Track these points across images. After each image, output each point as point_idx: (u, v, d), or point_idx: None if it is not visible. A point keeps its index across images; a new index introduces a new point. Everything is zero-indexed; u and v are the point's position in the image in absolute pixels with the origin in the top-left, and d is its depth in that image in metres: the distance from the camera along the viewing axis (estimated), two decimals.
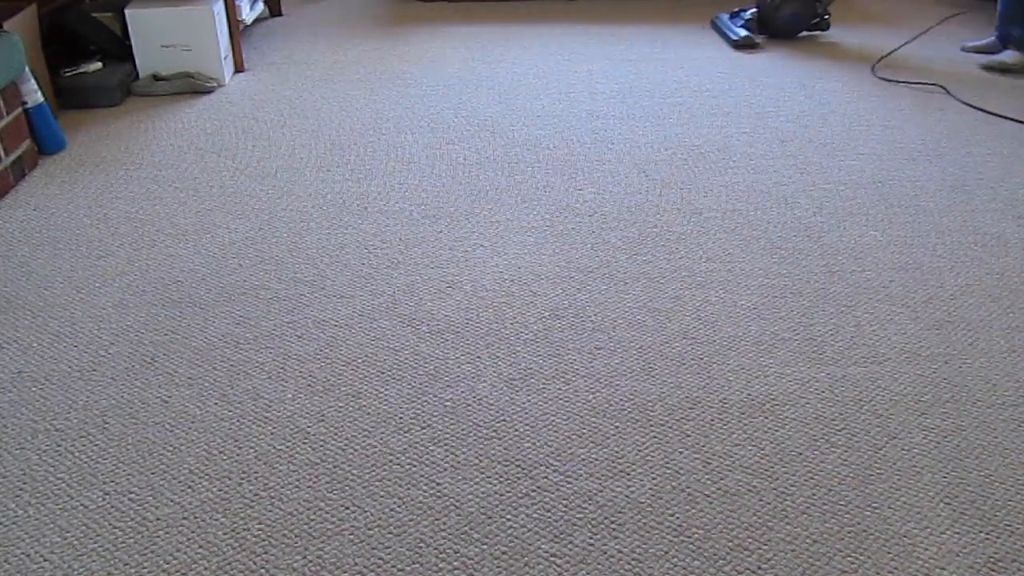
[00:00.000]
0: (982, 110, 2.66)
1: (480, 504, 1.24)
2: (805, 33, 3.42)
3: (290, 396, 1.45)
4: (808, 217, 2.04)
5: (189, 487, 1.27)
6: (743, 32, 3.34)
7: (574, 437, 1.36)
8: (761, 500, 1.24)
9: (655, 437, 1.36)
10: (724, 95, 2.83)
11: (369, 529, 1.20)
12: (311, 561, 1.15)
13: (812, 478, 1.28)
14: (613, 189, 2.18)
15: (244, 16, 3.25)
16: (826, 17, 3.34)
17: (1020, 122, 2.58)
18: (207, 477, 1.28)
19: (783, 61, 3.15)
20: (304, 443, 1.35)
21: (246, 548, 1.17)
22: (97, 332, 1.62)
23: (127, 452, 1.33)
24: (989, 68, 3.03)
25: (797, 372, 1.51)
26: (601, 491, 1.26)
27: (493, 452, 1.33)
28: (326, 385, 1.48)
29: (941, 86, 2.87)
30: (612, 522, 1.21)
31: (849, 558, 1.15)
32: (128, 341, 1.59)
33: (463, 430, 1.37)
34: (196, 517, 1.22)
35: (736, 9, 3.57)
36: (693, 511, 1.22)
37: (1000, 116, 2.62)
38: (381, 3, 4.05)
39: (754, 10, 3.43)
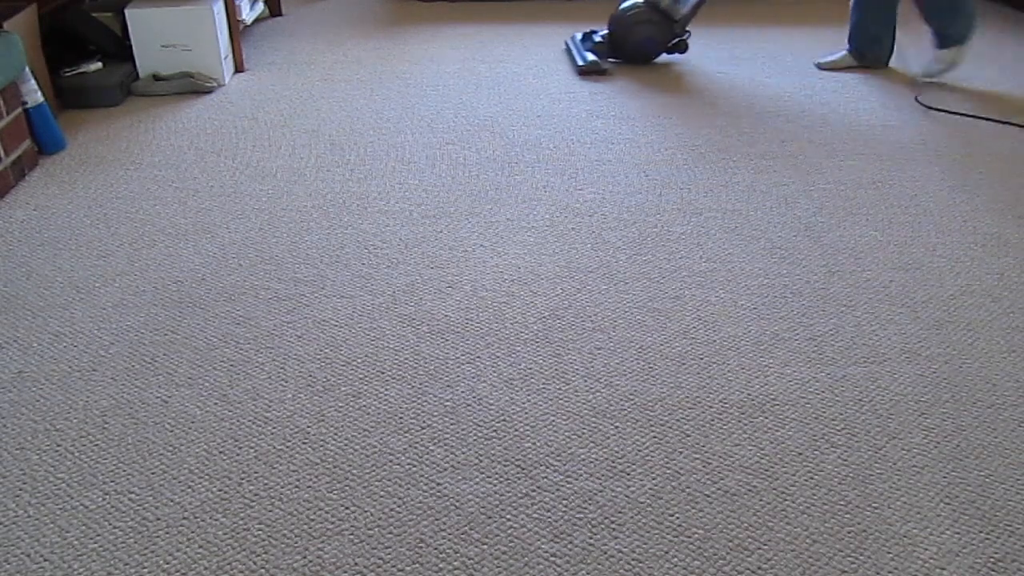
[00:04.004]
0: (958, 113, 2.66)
1: (480, 504, 1.24)
2: (665, 58, 3.15)
3: (290, 396, 1.45)
4: (808, 217, 2.04)
5: (189, 487, 1.27)
6: (591, 57, 3.03)
7: (574, 437, 1.36)
8: (761, 500, 1.24)
9: (655, 437, 1.36)
10: (725, 94, 2.83)
11: (369, 529, 1.20)
12: (311, 561, 1.15)
13: (812, 478, 1.28)
14: (613, 189, 2.18)
15: (244, 16, 3.25)
16: (684, 39, 3.05)
17: (1014, 124, 2.58)
18: (207, 477, 1.28)
19: (782, 61, 3.15)
20: (304, 443, 1.35)
21: (246, 548, 1.17)
22: (97, 332, 1.62)
23: (127, 452, 1.33)
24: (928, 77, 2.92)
25: (797, 372, 1.51)
26: (601, 491, 1.26)
27: (493, 452, 1.33)
28: (326, 385, 1.48)
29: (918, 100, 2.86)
30: (612, 522, 1.21)
31: (849, 558, 1.15)
32: (128, 341, 1.59)
33: (463, 430, 1.37)
34: (196, 517, 1.22)
35: (589, 30, 3.23)
36: (693, 511, 1.22)
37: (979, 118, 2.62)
38: (381, 3, 4.05)
39: (606, 32, 3.12)
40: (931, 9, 2.84)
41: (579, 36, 3.24)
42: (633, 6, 3.01)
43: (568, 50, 3.26)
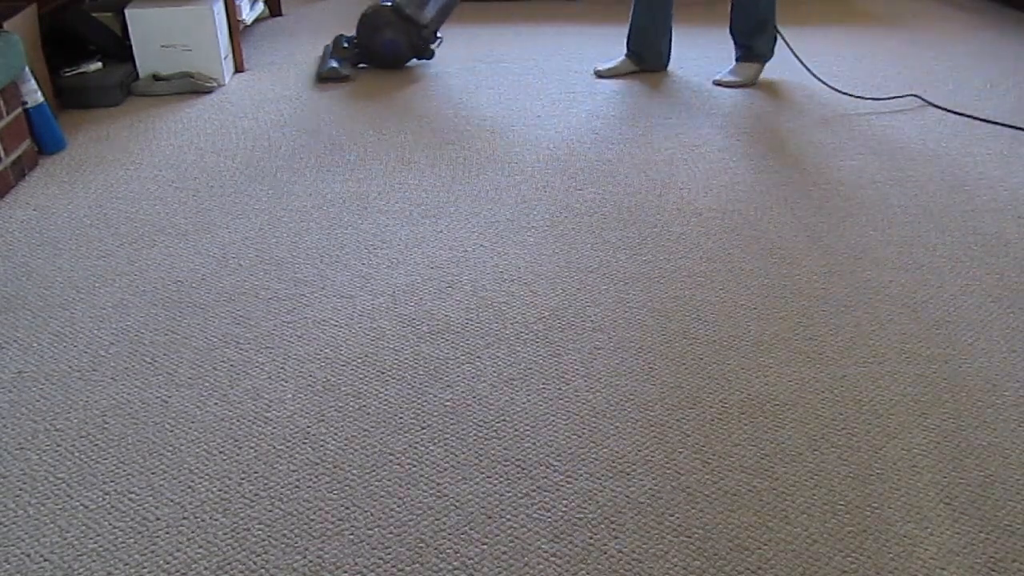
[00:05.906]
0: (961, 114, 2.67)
1: (480, 504, 1.24)
2: (414, 62, 3.13)
3: (290, 396, 1.45)
4: (808, 217, 2.04)
5: (189, 487, 1.27)
6: (332, 63, 2.96)
7: (574, 437, 1.36)
8: (761, 500, 1.24)
9: (655, 437, 1.36)
10: (724, 95, 2.83)
11: (369, 529, 1.20)
12: (311, 561, 1.15)
13: (812, 478, 1.28)
14: (613, 189, 2.18)
15: (244, 16, 3.26)
16: (432, 44, 3.04)
17: (1007, 126, 2.58)
18: (207, 477, 1.28)
19: (779, 61, 3.15)
20: (304, 443, 1.35)
21: (246, 548, 1.17)
22: (97, 332, 1.62)
23: (127, 452, 1.33)
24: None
25: (797, 372, 1.51)
26: (601, 491, 1.26)
27: (493, 452, 1.33)
28: (326, 385, 1.48)
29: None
30: (612, 522, 1.21)
31: (849, 558, 1.15)
32: (128, 341, 1.59)
33: (463, 430, 1.37)
34: (196, 517, 1.22)
35: (340, 34, 3.17)
36: (693, 511, 1.22)
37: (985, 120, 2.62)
38: None
39: (354, 37, 3.07)
40: (739, 22, 2.87)
41: (342, 38, 3.16)
42: (378, 10, 2.98)
43: (321, 55, 3.18)
